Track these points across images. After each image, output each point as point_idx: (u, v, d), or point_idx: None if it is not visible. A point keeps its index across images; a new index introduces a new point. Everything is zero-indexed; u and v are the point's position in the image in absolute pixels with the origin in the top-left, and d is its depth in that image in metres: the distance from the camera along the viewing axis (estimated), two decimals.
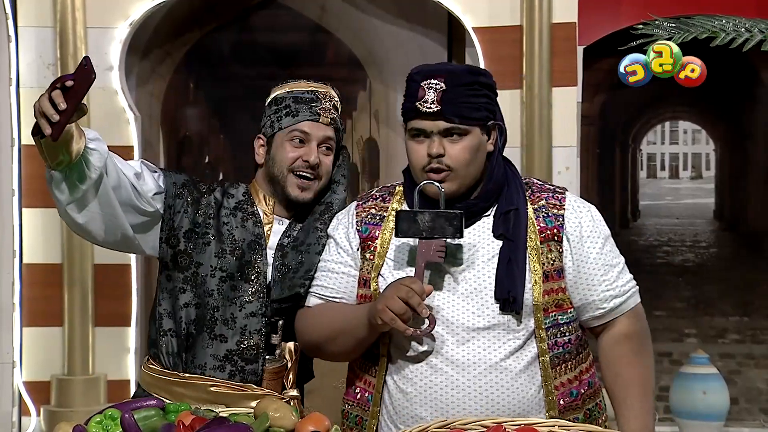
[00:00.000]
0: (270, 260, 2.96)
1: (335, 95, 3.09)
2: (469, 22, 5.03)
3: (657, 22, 3.68)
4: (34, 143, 5.07)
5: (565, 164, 5.00)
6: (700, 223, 7.09)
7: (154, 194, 2.94)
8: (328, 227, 2.89)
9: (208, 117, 5.96)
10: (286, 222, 3.01)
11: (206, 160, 5.93)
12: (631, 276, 2.78)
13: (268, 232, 2.98)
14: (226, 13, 5.74)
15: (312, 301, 2.84)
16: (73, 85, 2.52)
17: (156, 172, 3.00)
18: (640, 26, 3.82)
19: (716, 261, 7.02)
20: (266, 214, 3.00)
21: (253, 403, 2.82)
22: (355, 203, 2.86)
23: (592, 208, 2.80)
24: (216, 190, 3.05)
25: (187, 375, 2.90)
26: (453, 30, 5.42)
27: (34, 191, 5.06)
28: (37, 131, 2.64)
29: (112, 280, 5.07)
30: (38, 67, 5.03)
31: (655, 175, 7.26)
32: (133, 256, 5.09)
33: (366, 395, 2.76)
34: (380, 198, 2.83)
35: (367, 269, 2.75)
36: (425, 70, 2.71)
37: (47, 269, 5.07)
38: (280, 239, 2.97)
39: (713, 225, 7.14)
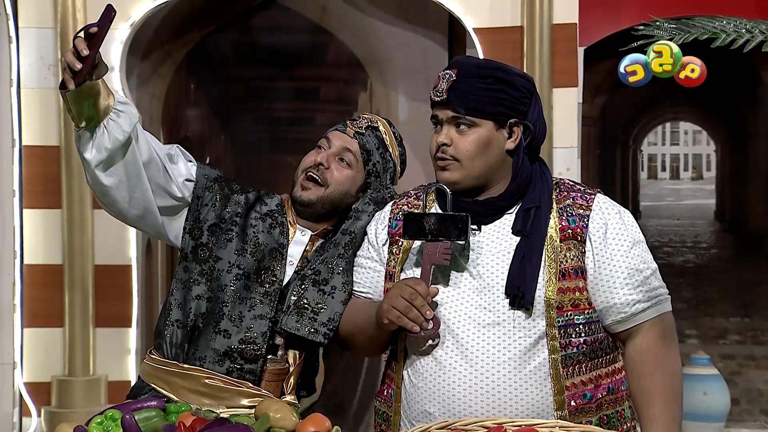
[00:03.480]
0: (288, 269, 2.95)
1: (381, 125, 3.06)
2: (470, 23, 5.03)
3: (657, 23, 3.67)
4: (35, 143, 5.12)
5: (566, 165, 5.00)
6: (700, 224, 7.08)
7: (185, 180, 2.96)
8: (352, 265, 2.88)
9: (209, 117, 5.96)
10: (309, 233, 3.00)
11: (207, 161, 5.93)
12: (663, 284, 2.75)
13: (291, 240, 2.98)
14: (227, 13, 5.74)
15: None
16: (97, 32, 2.58)
17: (191, 161, 3.02)
18: (641, 27, 3.81)
19: (717, 262, 7.01)
20: (291, 223, 3.00)
21: (247, 401, 2.83)
22: (392, 201, 2.89)
23: (624, 212, 2.78)
24: (251, 192, 3.06)
25: (185, 366, 2.90)
26: (454, 31, 5.42)
27: (34, 192, 5.06)
28: (63, 85, 2.68)
29: (112, 281, 5.06)
30: (39, 68, 5.03)
31: (655, 176, 7.26)
32: (133, 257, 5.09)
33: (390, 391, 2.78)
34: (415, 196, 2.85)
35: (392, 264, 2.78)
36: (450, 62, 2.77)
37: (48, 270, 5.07)
38: (301, 260, 2.97)
39: (714, 226, 7.13)
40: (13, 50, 5.01)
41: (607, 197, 2.80)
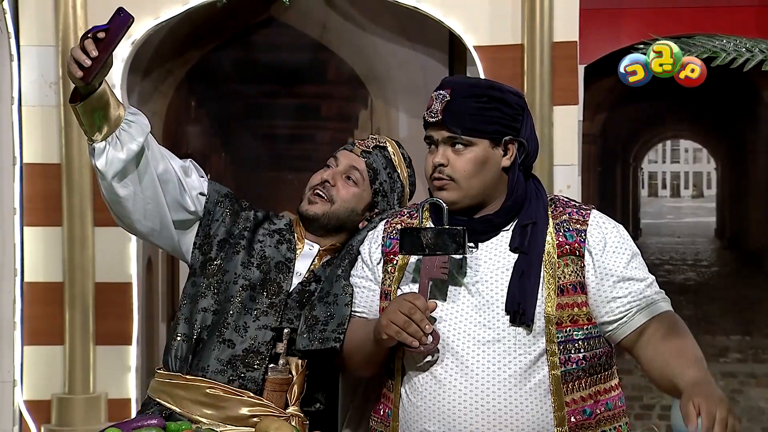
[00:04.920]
0: (294, 280, 2.97)
1: (389, 146, 3.09)
2: (470, 41, 5.04)
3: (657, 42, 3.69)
4: (35, 161, 5.13)
5: (567, 182, 5.00)
6: (701, 242, 7.08)
7: (199, 194, 2.99)
8: (350, 273, 2.89)
9: (210, 135, 5.96)
10: (317, 247, 3.02)
11: (208, 177, 5.93)
12: (662, 291, 2.74)
13: (298, 255, 3.00)
14: (228, 31, 5.75)
15: None
16: (106, 37, 2.59)
17: (203, 177, 3.06)
18: (641, 46, 3.82)
19: (718, 279, 7.01)
20: (299, 239, 3.02)
21: (247, 410, 2.82)
22: (385, 220, 2.89)
23: (619, 226, 2.78)
24: (259, 210, 3.09)
25: (188, 377, 2.89)
26: (454, 48, 5.43)
27: (35, 210, 5.06)
28: (72, 98, 2.71)
29: (113, 298, 5.06)
30: (40, 86, 5.04)
31: (656, 193, 7.27)
32: (134, 274, 5.09)
33: (386, 411, 2.77)
34: (407, 214, 2.86)
35: (388, 282, 2.77)
36: (442, 82, 2.77)
37: (48, 287, 5.06)
38: (307, 274, 2.98)
39: (714, 243, 7.13)
40: (14, 68, 5.02)
41: (601, 212, 2.81)
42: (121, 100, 4.94)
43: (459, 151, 2.68)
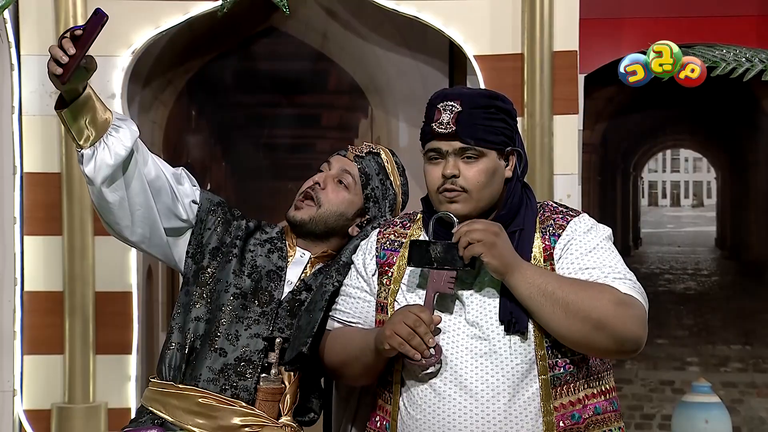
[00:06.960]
0: (285, 289, 2.96)
1: (383, 153, 3.09)
2: (470, 50, 5.04)
3: None
4: (36, 170, 5.12)
5: (567, 192, 5.00)
6: (701, 251, 7.08)
7: (191, 202, 2.99)
8: (339, 286, 2.89)
9: (210, 144, 5.96)
10: (307, 255, 3.02)
11: (208, 187, 5.93)
12: (631, 281, 2.66)
13: (290, 263, 2.99)
14: (228, 41, 5.76)
15: (332, 324, 2.87)
16: (83, 35, 2.64)
17: (195, 185, 3.06)
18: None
19: (718, 289, 7.00)
20: (290, 246, 3.02)
21: (239, 420, 2.83)
22: (377, 230, 2.88)
23: (598, 227, 2.75)
24: (251, 220, 3.08)
25: (181, 386, 2.89)
26: (454, 58, 5.43)
27: (35, 219, 5.06)
28: (58, 105, 2.75)
29: (113, 307, 5.06)
30: (41, 96, 5.04)
31: (656, 202, 7.26)
32: (134, 283, 5.08)
33: (384, 423, 2.76)
34: (400, 225, 2.85)
35: (383, 294, 2.77)
36: (443, 94, 2.74)
37: (48, 297, 5.06)
38: (298, 282, 2.98)
39: (715, 253, 7.12)
40: (14, 77, 5.02)
41: (587, 218, 2.78)
42: (121, 110, 4.99)
43: (470, 162, 2.67)
